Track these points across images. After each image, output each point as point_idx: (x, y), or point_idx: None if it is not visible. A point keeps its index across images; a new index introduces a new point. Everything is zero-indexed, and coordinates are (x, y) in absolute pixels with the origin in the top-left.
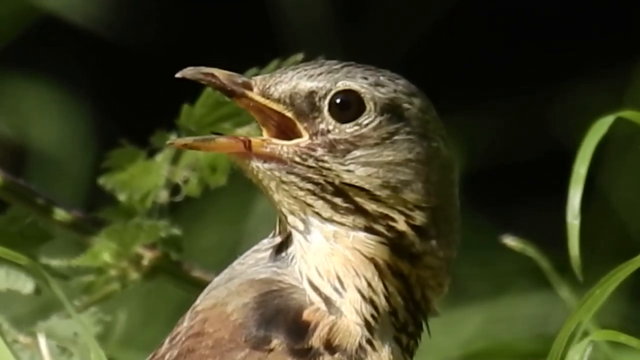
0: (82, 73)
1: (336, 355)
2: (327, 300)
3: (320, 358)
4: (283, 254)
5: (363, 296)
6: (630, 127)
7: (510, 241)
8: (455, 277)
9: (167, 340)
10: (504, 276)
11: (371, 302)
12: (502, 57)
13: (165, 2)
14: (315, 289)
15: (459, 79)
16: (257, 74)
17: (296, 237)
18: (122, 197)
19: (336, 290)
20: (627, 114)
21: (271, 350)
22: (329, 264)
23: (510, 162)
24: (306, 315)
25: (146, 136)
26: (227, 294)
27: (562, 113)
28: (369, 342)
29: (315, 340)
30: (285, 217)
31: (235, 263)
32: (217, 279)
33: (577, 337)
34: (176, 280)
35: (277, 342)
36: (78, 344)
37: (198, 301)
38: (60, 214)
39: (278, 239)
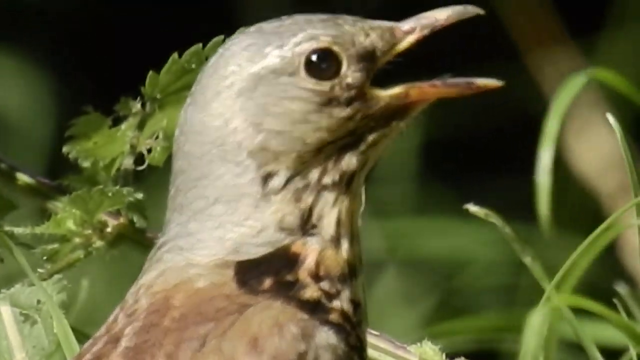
0: (42, 40)
1: (322, 284)
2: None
3: (306, 289)
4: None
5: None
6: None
7: (474, 209)
8: (417, 249)
9: (120, 315)
10: (467, 247)
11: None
12: (465, 26)
13: None
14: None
15: (422, 48)
16: (222, 41)
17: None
18: (86, 164)
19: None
20: (600, 74)
21: (263, 290)
22: (356, 214)
23: (473, 132)
24: (294, 248)
25: (109, 104)
26: (194, 274)
27: (525, 83)
28: (351, 273)
29: (303, 272)
30: (362, 167)
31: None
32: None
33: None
34: (140, 247)
35: (269, 281)
36: (42, 311)
37: (144, 282)
38: (23, 180)
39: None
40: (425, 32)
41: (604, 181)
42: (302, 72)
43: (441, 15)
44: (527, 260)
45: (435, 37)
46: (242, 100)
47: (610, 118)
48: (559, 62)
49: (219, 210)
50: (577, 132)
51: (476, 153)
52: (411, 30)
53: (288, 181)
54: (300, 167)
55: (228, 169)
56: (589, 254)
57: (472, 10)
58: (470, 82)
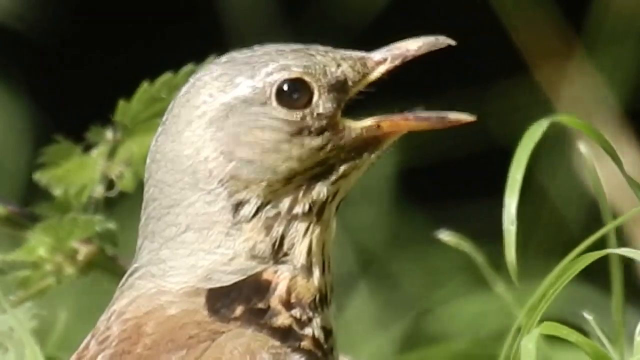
0: (18, 67)
1: (293, 311)
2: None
3: (278, 317)
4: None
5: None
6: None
7: (445, 236)
8: (390, 274)
9: (92, 342)
10: (439, 273)
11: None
12: (440, 53)
13: None
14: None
15: (398, 73)
16: (193, 70)
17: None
18: (57, 192)
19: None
20: (562, 118)
21: (235, 318)
22: (328, 243)
23: (446, 158)
24: (265, 275)
25: (82, 131)
26: (166, 302)
27: (498, 109)
28: (322, 301)
29: (274, 300)
30: (333, 197)
31: (134, 278)
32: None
33: (511, 334)
34: (112, 275)
35: (240, 308)
36: (13, 339)
37: (115, 309)
38: None
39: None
40: (397, 62)
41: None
42: (274, 102)
43: (412, 46)
44: (499, 288)
45: (439, 53)
46: (213, 130)
47: (583, 147)
48: (568, 78)
49: (190, 238)
50: (551, 158)
51: (452, 178)
52: (382, 60)
53: (259, 210)
54: (271, 196)
55: (199, 197)
56: (557, 284)
57: (443, 41)
58: (443, 117)
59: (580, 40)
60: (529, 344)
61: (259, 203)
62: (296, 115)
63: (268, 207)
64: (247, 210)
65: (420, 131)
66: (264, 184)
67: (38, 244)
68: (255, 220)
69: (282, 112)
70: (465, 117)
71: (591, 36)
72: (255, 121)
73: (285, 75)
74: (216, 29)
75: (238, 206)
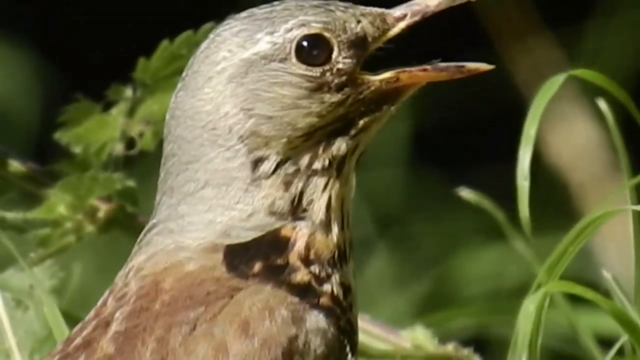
0: (27, 24)
1: (312, 267)
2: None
3: (296, 273)
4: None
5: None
6: (579, 85)
7: (466, 194)
8: (407, 235)
9: (110, 299)
10: (456, 233)
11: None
12: (453, 14)
13: None
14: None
15: (411, 36)
16: (213, 27)
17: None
18: (77, 150)
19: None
20: (578, 72)
21: (253, 274)
22: (347, 199)
23: (461, 119)
24: (284, 232)
25: (97, 89)
26: (184, 258)
27: (514, 70)
28: (341, 257)
29: (293, 256)
30: (353, 151)
31: (152, 234)
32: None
33: (531, 291)
34: (131, 233)
35: (259, 264)
36: (33, 297)
37: (133, 265)
38: (14, 166)
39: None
40: (416, 18)
41: (579, 172)
42: (293, 58)
43: (432, 2)
44: (518, 245)
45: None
46: (233, 86)
47: (602, 104)
48: (535, 54)
49: (209, 194)
50: (553, 124)
51: (464, 140)
52: (402, 16)
53: (278, 166)
54: (290, 153)
55: (219, 153)
56: (577, 242)
57: None
58: (461, 66)
59: (547, 20)
60: (531, 305)
61: (278, 159)
62: (316, 71)
63: (287, 163)
64: (267, 166)
65: (440, 90)
66: (284, 140)
67: (58, 201)
68: (274, 176)
69: (301, 68)
70: (483, 65)
71: (560, 15)
72: (275, 77)
73: (305, 31)
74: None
75: (257, 162)
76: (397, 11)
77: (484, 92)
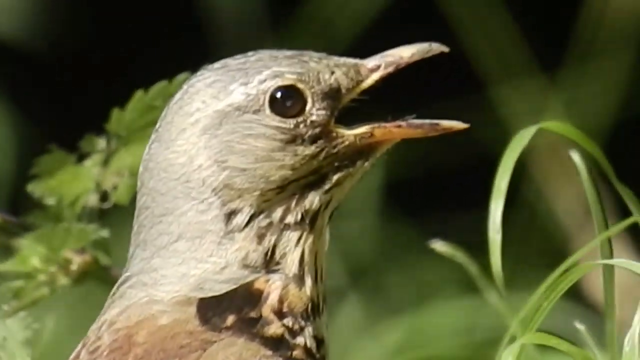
0: (3, 74)
1: (285, 320)
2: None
3: (270, 326)
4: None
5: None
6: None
7: (439, 247)
8: (380, 285)
9: (83, 352)
10: (430, 283)
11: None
12: (428, 62)
13: (85, 5)
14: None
15: (386, 84)
16: (187, 79)
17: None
18: (50, 201)
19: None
20: (549, 124)
21: (226, 327)
22: (321, 252)
23: (435, 170)
24: (257, 285)
25: (72, 140)
26: (157, 311)
27: (487, 120)
28: (314, 310)
29: (266, 309)
30: (326, 206)
31: (125, 287)
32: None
33: (503, 344)
34: (105, 285)
35: (232, 318)
36: (6, 348)
37: (106, 318)
38: None
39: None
40: (390, 69)
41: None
42: (267, 110)
43: (406, 53)
44: (491, 297)
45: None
46: (206, 138)
47: (575, 156)
48: (526, 96)
49: (182, 247)
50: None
51: (438, 190)
52: (376, 67)
53: (251, 219)
54: (264, 206)
55: (192, 206)
56: (551, 296)
57: (436, 48)
58: (435, 124)
59: (540, 61)
60: (509, 357)
61: (251, 212)
62: (289, 123)
63: (261, 216)
64: (240, 219)
65: (412, 140)
66: (257, 193)
67: (31, 253)
68: (247, 229)
69: (275, 120)
70: (457, 124)
71: (553, 57)
72: (249, 129)
73: (279, 82)
74: (206, 40)
75: (231, 215)
76: (371, 62)
77: (459, 142)
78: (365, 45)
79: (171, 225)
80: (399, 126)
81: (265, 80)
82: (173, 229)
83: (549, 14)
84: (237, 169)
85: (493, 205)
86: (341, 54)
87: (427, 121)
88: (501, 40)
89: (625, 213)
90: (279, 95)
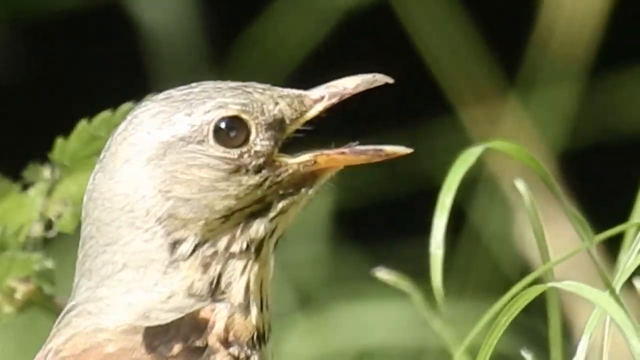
0: None
1: (231, 349)
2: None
3: (216, 355)
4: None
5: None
6: (501, 163)
7: (382, 274)
8: (327, 312)
9: None
10: (375, 311)
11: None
12: (375, 90)
13: (35, 33)
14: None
15: (344, 109)
16: (131, 109)
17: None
18: None
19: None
20: (496, 143)
21: (172, 356)
22: (266, 280)
23: (381, 198)
24: (203, 314)
25: (19, 170)
26: (103, 339)
27: (433, 149)
28: (260, 338)
29: (212, 338)
30: (271, 234)
31: (71, 315)
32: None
33: None
34: (49, 314)
35: (178, 346)
36: None
37: (52, 347)
38: None
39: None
40: (334, 100)
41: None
42: (211, 140)
43: (350, 84)
44: (436, 325)
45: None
46: (150, 168)
47: (520, 185)
48: (494, 118)
49: (127, 276)
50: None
51: (385, 218)
52: (320, 98)
53: (196, 248)
54: (209, 235)
55: (137, 235)
56: (501, 320)
57: (380, 79)
58: (379, 150)
59: (507, 82)
60: None
61: (196, 241)
62: (233, 153)
63: (205, 245)
64: (185, 248)
65: (357, 167)
66: (201, 222)
67: None
68: (192, 258)
69: (219, 150)
70: (401, 149)
71: (521, 78)
72: (193, 159)
73: (223, 113)
74: (149, 70)
75: (175, 244)
76: (314, 93)
77: (405, 170)
78: (326, 71)
79: (116, 255)
80: (343, 153)
81: (209, 111)
82: (118, 258)
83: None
84: (181, 199)
85: (436, 220)
86: (293, 85)
87: (371, 147)
88: (468, 62)
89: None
90: (222, 125)
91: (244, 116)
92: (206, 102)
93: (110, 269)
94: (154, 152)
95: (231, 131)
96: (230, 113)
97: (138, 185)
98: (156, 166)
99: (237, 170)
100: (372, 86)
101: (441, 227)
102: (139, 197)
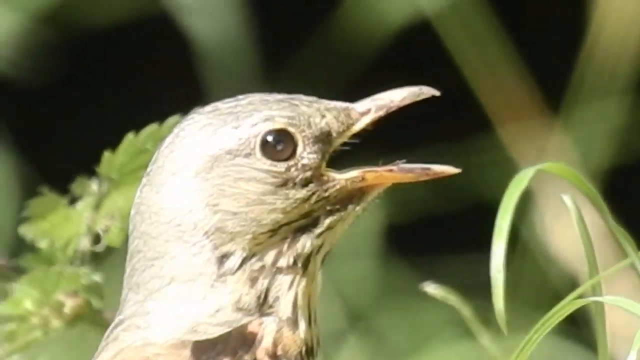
0: (1, 119)
1: None
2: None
3: None
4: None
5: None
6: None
7: (432, 290)
8: (377, 328)
9: None
10: (427, 327)
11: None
12: (427, 105)
13: (83, 45)
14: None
15: (384, 127)
16: (178, 122)
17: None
18: (43, 244)
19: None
20: (547, 166)
21: None
22: (314, 295)
23: (433, 212)
24: (251, 328)
25: (68, 183)
26: (152, 354)
27: (486, 163)
28: (308, 353)
29: (260, 352)
30: (318, 250)
31: (119, 330)
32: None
33: None
34: (98, 328)
35: None
36: None
37: None
38: None
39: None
40: (381, 113)
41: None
42: (258, 153)
43: (396, 97)
44: (485, 340)
45: (409, 109)
46: (198, 181)
47: (568, 200)
48: (533, 136)
49: (175, 290)
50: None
51: (436, 233)
52: (367, 111)
53: (244, 262)
54: (256, 249)
55: (184, 249)
56: (539, 332)
57: (427, 91)
58: (427, 168)
59: (548, 100)
60: None
61: (243, 255)
62: (280, 166)
63: (253, 259)
64: (232, 262)
65: (406, 184)
66: (249, 236)
67: (24, 296)
68: (240, 272)
69: (266, 164)
70: (449, 169)
71: (566, 95)
72: (240, 173)
73: (270, 126)
74: (198, 81)
75: (223, 258)
76: (361, 106)
77: (458, 184)
78: (371, 86)
79: (163, 269)
80: (391, 170)
81: (256, 124)
82: (165, 272)
83: (553, 52)
84: (228, 212)
85: (495, 245)
86: (339, 99)
87: (419, 165)
88: (508, 80)
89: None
90: (270, 138)
91: (291, 129)
92: (253, 115)
93: (158, 283)
94: (201, 165)
95: (278, 144)
96: (277, 126)
97: (185, 198)
98: (203, 179)
99: (284, 183)
100: (418, 99)
101: (500, 252)
102: (186, 211)
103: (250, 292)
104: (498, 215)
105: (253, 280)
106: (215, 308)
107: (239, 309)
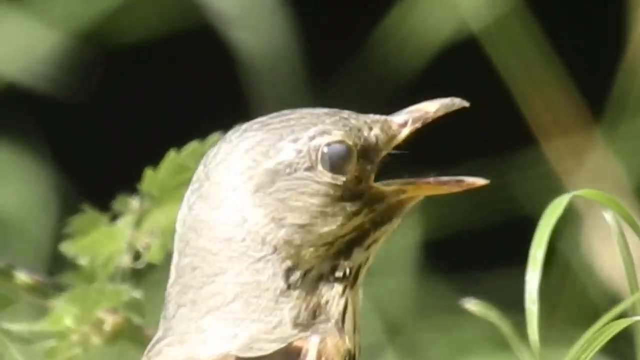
0: (40, 136)
1: None
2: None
3: None
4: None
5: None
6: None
7: (471, 306)
8: (416, 344)
9: None
10: (465, 342)
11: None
12: (464, 121)
13: (124, 60)
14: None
15: (422, 143)
16: (219, 139)
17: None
18: (83, 261)
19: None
20: (583, 192)
21: None
22: (357, 308)
23: (467, 229)
24: (295, 342)
25: (108, 199)
26: None
27: (523, 177)
28: None
29: None
30: (366, 262)
31: (162, 344)
32: None
33: None
34: (138, 345)
35: None
36: None
37: None
38: (21, 278)
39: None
40: (418, 124)
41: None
42: (319, 166)
43: (431, 108)
44: (524, 357)
45: (451, 125)
46: (260, 196)
47: (609, 217)
48: (578, 151)
49: (238, 307)
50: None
51: (474, 249)
52: (404, 123)
53: (305, 275)
54: (315, 262)
55: (248, 265)
56: (585, 353)
57: (459, 102)
58: (459, 180)
59: (593, 115)
60: None
61: (305, 268)
62: (340, 179)
63: (313, 272)
64: (296, 276)
65: (443, 198)
66: (312, 249)
67: (64, 313)
68: (301, 287)
69: (327, 176)
70: (479, 180)
71: (609, 110)
72: (304, 186)
73: (328, 138)
74: (241, 96)
75: (289, 272)
76: (399, 118)
77: (495, 199)
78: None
79: (226, 286)
80: (428, 182)
81: (314, 137)
82: (228, 289)
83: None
84: (295, 226)
85: (529, 276)
86: (381, 113)
87: (452, 178)
88: (554, 95)
89: None
90: (329, 151)
91: (348, 141)
92: (310, 129)
93: (220, 300)
94: (262, 179)
95: (337, 157)
96: (336, 138)
97: (248, 213)
98: (265, 194)
99: (342, 196)
100: (451, 110)
101: (535, 282)
102: (250, 226)
103: (307, 307)
104: (532, 244)
105: (310, 294)
106: (274, 324)
107: (297, 325)
